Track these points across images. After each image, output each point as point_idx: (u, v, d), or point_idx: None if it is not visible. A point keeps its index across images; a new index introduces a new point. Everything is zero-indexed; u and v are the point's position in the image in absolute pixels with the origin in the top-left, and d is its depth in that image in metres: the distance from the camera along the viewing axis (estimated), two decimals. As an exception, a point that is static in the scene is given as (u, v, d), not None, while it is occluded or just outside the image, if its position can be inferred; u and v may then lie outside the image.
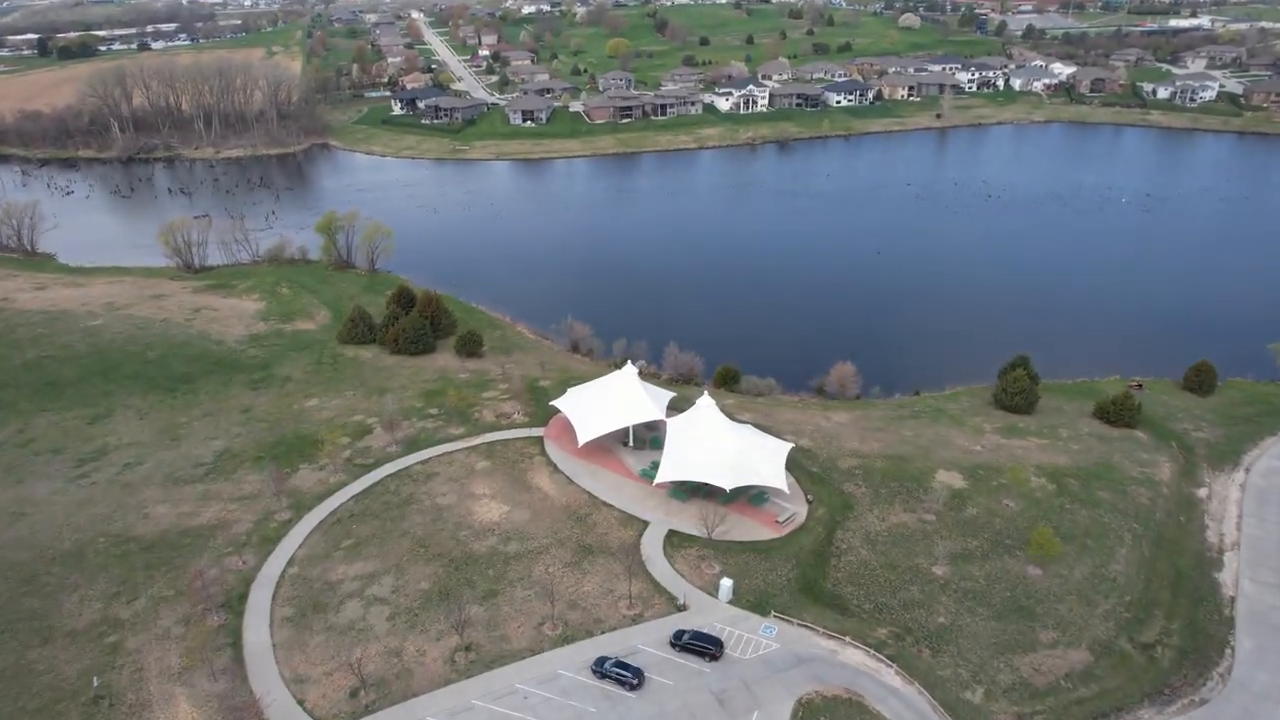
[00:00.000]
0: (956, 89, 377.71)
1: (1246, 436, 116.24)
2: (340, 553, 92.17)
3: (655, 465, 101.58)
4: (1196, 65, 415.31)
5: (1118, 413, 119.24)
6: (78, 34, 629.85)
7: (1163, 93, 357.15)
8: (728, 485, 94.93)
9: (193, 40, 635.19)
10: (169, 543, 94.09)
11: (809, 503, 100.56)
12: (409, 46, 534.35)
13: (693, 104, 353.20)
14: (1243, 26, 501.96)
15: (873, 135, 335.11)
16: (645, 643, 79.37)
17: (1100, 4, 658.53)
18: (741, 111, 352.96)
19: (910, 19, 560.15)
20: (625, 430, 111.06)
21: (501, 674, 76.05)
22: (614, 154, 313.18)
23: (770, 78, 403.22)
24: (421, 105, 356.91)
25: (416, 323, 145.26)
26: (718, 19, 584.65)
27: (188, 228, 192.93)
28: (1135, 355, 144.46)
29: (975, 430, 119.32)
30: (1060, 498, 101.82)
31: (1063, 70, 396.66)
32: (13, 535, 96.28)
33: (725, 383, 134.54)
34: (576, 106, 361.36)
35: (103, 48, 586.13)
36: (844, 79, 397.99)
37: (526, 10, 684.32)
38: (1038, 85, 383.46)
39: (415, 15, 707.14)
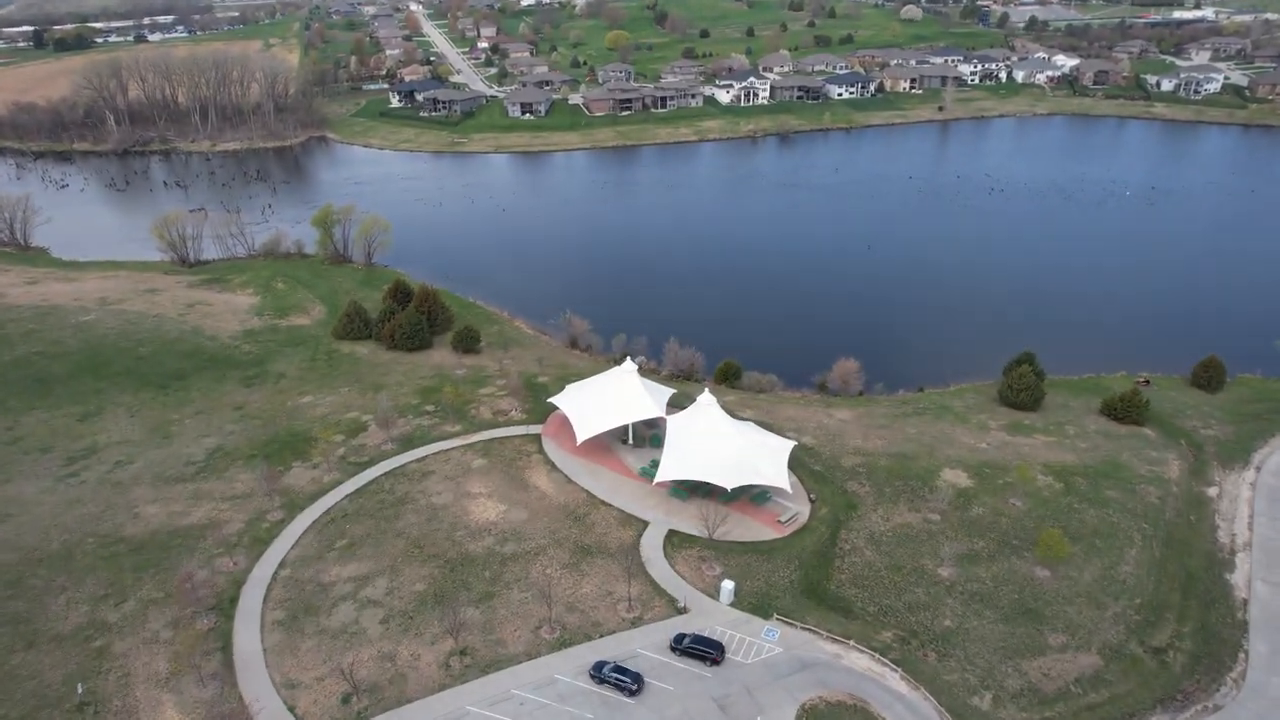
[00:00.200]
0: (959, 81, 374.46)
1: (1257, 434, 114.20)
2: (333, 554, 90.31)
3: (655, 464, 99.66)
4: (1201, 57, 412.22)
5: (1125, 410, 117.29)
6: (74, 26, 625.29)
7: (1167, 85, 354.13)
8: (729, 484, 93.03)
9: (190, 32, 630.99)
10: (159, 543, 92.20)
11: (811, 502, 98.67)
12: (407, 39, 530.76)
13: (693, 96, 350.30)
14: (1247, 18, 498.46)
15: (874, 128, 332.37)
16: (645, 647, 77.55)
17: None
18: (742, 104, 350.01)
19: (912, 11, 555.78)
20: (624, 428, 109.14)
21: (497, 679, 74.23)
22: (613, 147, 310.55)
23: (771, 70, 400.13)
24: (420, 98, 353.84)
25: (413, 318, 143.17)
26: (718, 11, 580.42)
27: (182, 221, 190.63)
28: (1142, 351, 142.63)
29: (980, 427, 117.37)
30: (1068, 497, 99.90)
31: (1066, 62, 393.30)
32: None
33: (726, 379, 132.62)
34: (576, 99, 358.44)
35: (99, 39, 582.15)
36: (845, 71, 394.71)
37: (525, 2, 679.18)
38: (1040, 77, 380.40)
39: (414, 7, 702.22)
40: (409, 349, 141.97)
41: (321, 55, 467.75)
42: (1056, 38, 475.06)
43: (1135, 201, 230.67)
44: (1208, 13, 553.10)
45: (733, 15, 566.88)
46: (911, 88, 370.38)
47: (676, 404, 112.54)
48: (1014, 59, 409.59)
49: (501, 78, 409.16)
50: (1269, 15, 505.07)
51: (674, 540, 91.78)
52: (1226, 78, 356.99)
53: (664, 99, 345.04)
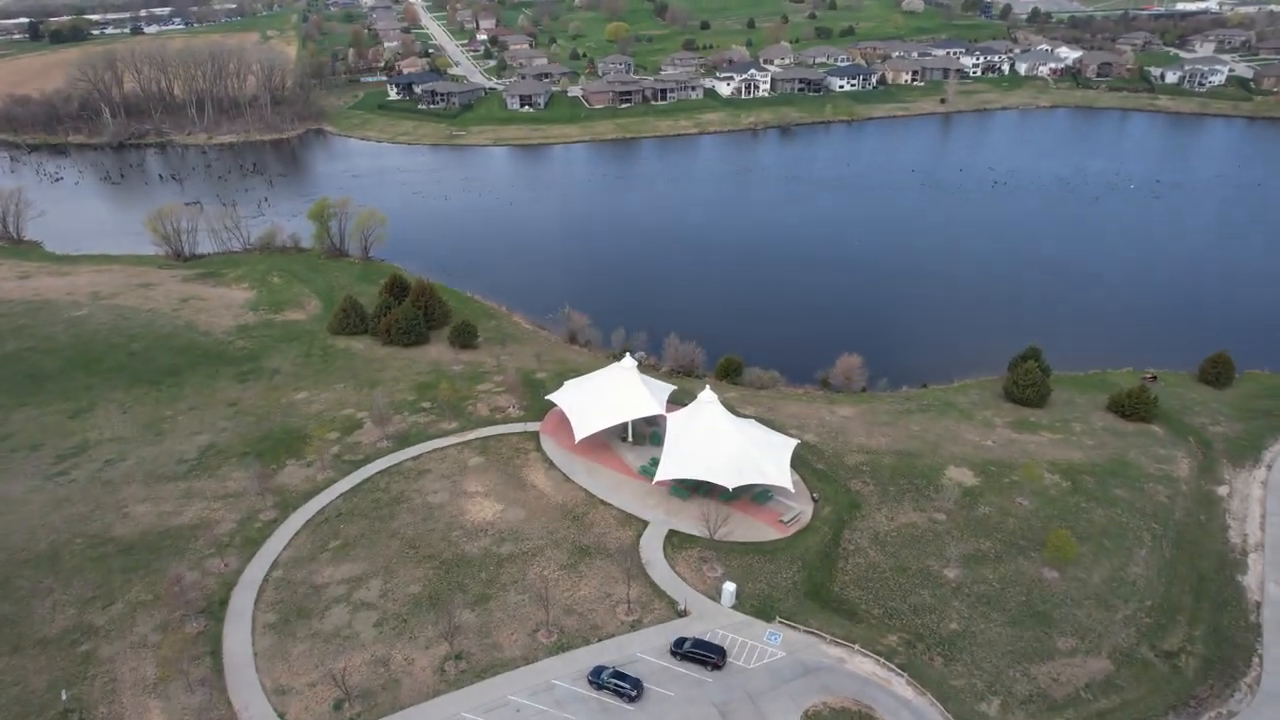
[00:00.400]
0: (961, 73, 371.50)
1: (1267, 431, 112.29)
2: (327, 554, 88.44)
3: (655, 462, 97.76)
4: (1205, 49, 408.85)
5: (1133, 406, 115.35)
6: (69, 18, 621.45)
7: (1171, 77, 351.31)
8: (730, 483, 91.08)
9: (187, 24, 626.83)
10: (148, 544, 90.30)
11: (814, 501, 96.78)
12: (406, 31, 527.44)
13: (693, 89, 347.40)
14: (1251, 10, 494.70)
15: (876, 120, 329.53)
16: (644, 651, 75.74)
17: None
18: (743, 96, 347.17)
19: (914, 2, 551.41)
20: (624, 425, 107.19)
21: (493, 685, 72.44)
22: (613, 139, 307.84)
23: (772, 62, 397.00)
24: (418, 90, 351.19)
25: (409, 313, 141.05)
26: (718, 2, 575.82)
27: (177, 215, 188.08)
28: (1148, 346, 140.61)
29: (985, 424, 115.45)
30: (1075, 496, 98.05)
31: (1069, 54, 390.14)
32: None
33: (727, 375, 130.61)
34: (575, 91, 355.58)
35: (95, 32, 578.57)
36: (847, 63, 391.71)
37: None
38: (1043, 70, 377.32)
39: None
40: (405, 344, 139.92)
41: (319, 47, 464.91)
42: (1059, 30, 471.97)
43: (1140, 194, 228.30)
44: (1211, 4, 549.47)
45: (733, 7, 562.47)
46: (913, 80, 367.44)
47: (677, 401, 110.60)
48: (1017, 51, 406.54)
49: (500, 70, 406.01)
50: (1273, 7, 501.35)
51: (674, 540, 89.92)
52: (1231, 70, 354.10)
53: (664, 91, 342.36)
